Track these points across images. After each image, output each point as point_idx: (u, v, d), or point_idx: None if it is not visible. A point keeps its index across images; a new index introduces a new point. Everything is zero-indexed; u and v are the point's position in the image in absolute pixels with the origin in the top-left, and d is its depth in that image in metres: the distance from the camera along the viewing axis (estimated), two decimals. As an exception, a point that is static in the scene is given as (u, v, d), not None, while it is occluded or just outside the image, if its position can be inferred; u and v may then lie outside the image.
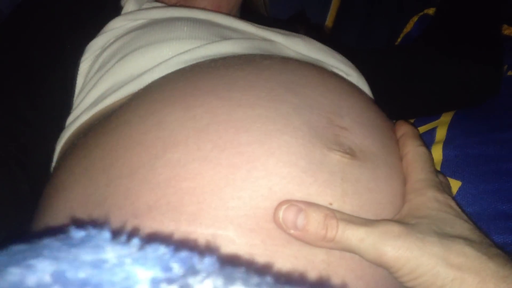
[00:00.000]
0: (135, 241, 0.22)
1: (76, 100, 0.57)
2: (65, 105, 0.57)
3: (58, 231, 0.23)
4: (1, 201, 0.47)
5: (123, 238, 0.22)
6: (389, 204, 0.41)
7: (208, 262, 0.22)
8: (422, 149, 0.46)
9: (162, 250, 0.22)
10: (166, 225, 0.36)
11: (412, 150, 0.46)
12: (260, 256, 0.35)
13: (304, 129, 0.40)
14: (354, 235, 0.36)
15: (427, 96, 0.71)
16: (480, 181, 0.56)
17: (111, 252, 0.21)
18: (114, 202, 0.38)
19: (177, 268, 0.21)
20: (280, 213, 0.36)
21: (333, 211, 0.37)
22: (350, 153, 0.41)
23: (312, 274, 0.36)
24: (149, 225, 0.36)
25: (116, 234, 0.23)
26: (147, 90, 0.48)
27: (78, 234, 0.22)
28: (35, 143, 0.52)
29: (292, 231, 0.36)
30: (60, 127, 0.55)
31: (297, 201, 0.37)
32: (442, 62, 0.69)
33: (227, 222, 0.36)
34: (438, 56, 0.70)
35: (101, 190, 0.39)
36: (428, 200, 0.41)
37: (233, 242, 0.35)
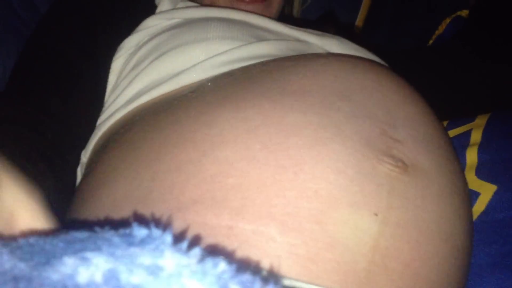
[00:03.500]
0: (196, 251, 0.22)
1: (110, 97, 0.58)
2: (97, 103, 0.57)
3: (120, 225, 0.23)
4: None
5: (184, 245, 0.22)
6: (434, 224, 0.40)
7: None
8: None
9: (222, 266, 0.21)
10: (208, 219, 0.36)
11: None
12: (300, 257, 0.35)
13: (355, 139, 0.40)
14: None
15: (462, 98, 0.70)
16: (516, 185, 0.54)
17: (170, 259, 0.21)
18: (158, 196, 0.38)
19: None
20: None
21: None
22: (401, 166, 0.40)
23: (352, 280, 0.35)
24: (192, 219, 0.36)
25: (178, 239, 0.22)
26: (198, 92, 0.48)
27: (140, 232, 0.22)
28: (64, 139, 0.53)
29: None
30: (91, 124, 0.56)
31: None
32: (479, 63, 0.69)
33: (269, 219, 0.36)
34: (474, 57, 0.69)
35: (146, 183, 0.40)
36: None
37: (274, 240, 0.35)
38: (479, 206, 0.55)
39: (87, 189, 0.46)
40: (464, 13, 0.90)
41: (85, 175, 0.52)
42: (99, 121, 0.56)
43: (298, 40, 0.59)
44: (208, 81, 0.50)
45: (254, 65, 0.50)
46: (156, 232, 0.22)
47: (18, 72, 0.57)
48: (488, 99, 0.69)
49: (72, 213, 0.46)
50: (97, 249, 0.21)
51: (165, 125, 0.44)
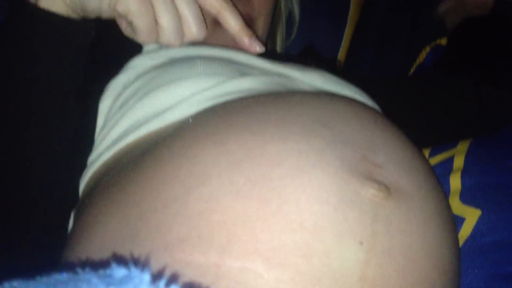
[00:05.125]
0: None
1: (98, 138, 0.59)
2: (87, 144, 0.58)
3: (100, 265, 0.23)
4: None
5: (162, 283, 0.22)
6: (420, 248, 0.40)
7: None
8: None
9: None
10: (196, 257, 0.36)
11: None
12: None
13: (337, 164, 0.41)
14: None
15: (444, 124, 0.71)
16: (500, 209, 0.55)
17: None
18: (146, 235, 0.38)
19: None
20: None
21: None
22: (385, 191, 0.40)
23: None
24: (179, 257, 0.36)
25: (156, 277, 0.22)
26: (180, 128, 0.49)
27: (119, 272, 0.22)
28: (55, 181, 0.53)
29: None
30: (82, 165, 0.56)
31: None
32: (459, 90, 0.70)
33: (256, 255, 0.36)
34: (455, 83, 0.71)
35: (133, 223, 0.40)
36: None
37: (261, 276, 0.35)
38: (465, 231, 0.55)
39: (77, 233, 0.46)
40: (443, 41, 0.92)
41: (75, 219, 0.53)
42: (89, 161, 0.57)
43: (280, 75, 0.60)
44: (190, 117, 0.51)
45: (233, 101, 0.51)
46: (134, 271, 0.22)
47: None
48: (470, 124, 0.70)
49: (65, 257, 0.46)
50: None
51: (150, 163, 0.44)
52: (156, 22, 0.49)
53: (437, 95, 0.72)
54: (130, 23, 0.49)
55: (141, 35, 0.49)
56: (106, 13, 0.49)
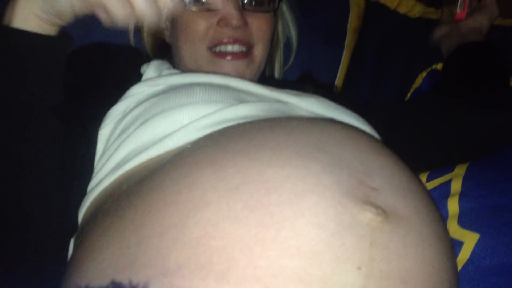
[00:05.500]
0: None
1: (98, 164, 0.59)
2: (87, 171, 0.58)
3: None
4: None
5: None
6: (418, 272, 0.40)
7: None
8: None
9: None
10: (195, 284, 0.36)
11: None
12: None
13: (334, 189, 0.41)
14: None
15: (442, 147, 0.71)
16: (498, 233, 0.55)
17: None
18: (144, 261, 0.39)
19: None
20: None
21: None
22: (382, 215, 0.40)
23: None
24: (178, 284, 0.36)
25: None
26: (178, 155, 0.49)
27: None
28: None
29: None
30: (82, 192, 0.57)
31: None
32: (455, 113, 0.70)
33: (254, 282, 0.36)
34: (451, 107, 0.71)
35: (132, 249, 0.40)
36: None
37: None
38: (463, 255, 0.55)
39: (77, 260, 0.46)
40: (439, 66, 0.93)
41: (75, 246, 0.53)
42: (88, 188, 0.57)
43: (278, 101, 0.61)
44: (189, 144, 0.52)
45: (231, 127, 0.52)
46: None
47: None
48: (469, 146, 0.70)
49: (64, 284, 0.46)
50: None
51: (149, 190, 0.45)
52: (129, 3, 0.49)
53: (433, 119, 0.73)
54: (106, 12, 0.49)
55: (119, 19, 0.49)
56: (79, 9, 0.49)
